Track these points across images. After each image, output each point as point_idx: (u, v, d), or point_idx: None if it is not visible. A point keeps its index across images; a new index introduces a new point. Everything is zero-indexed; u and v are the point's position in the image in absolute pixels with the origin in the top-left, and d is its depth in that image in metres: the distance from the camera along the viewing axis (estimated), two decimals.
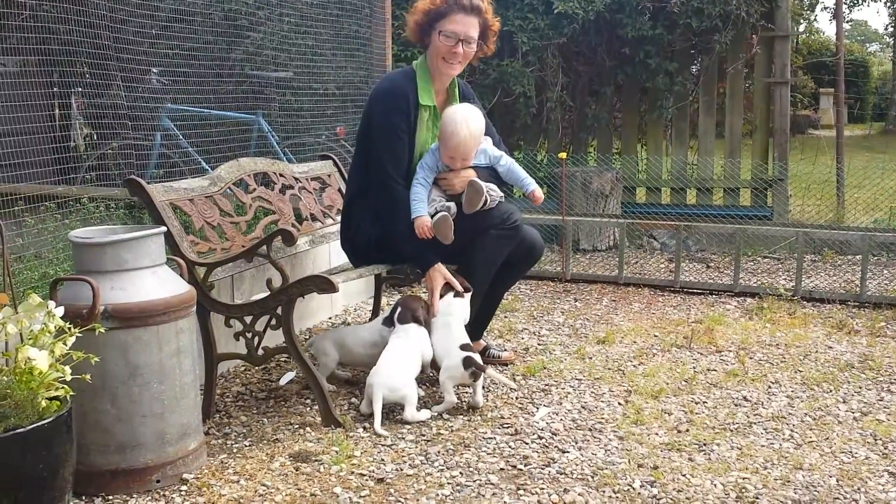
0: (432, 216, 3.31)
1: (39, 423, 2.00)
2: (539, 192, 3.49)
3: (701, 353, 3.87)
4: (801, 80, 8.55)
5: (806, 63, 14.01)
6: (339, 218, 3.87)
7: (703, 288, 5.07)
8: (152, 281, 2.54)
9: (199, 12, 5.31)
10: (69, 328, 2.20)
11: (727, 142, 6.62)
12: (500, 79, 6.29)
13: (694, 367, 3.67)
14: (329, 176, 4.27)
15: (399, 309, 3.28)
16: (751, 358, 3.80)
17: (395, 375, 3.06)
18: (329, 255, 4.40)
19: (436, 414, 3.11)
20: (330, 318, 4.49)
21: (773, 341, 4.05)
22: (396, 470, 2.67)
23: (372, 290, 4.54)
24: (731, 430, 3.00)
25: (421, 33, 3.46)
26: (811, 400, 3.29)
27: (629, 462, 2.72)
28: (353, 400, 3.28)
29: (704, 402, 3.26)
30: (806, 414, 3.15)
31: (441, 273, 3.34)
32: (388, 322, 3.35)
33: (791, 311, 4.55)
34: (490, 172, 3.48)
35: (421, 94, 3.42)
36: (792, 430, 3.01)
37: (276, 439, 2.91)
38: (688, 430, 2.98)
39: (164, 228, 2.70)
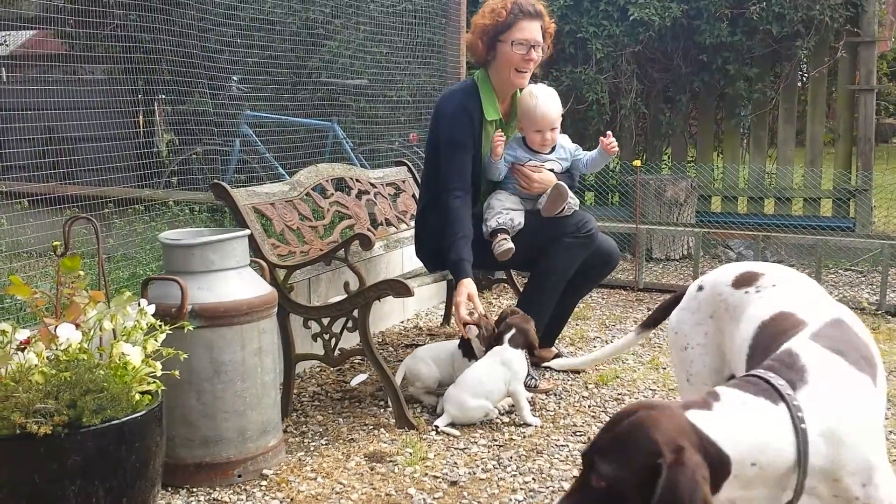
0: (494, 232, 3.31)
1: (133, 416, 2.08)
2: (609, 143, 3.44)
3: None
4: (887, 88, 8.26)
5: (892, 69, 13.51)
6: (412, 223, 3.92)
7: None
8: (237, 282, 2.63)
9: (278, 21, 5.46)
10: (160, 325, 2.29)
11: (808, 150, 6.44)
12: (573, 86, 6.26)
13: None
14: (403, 182, 4.33)
15: (513, 332, 3.11)
16: None
17: (468, 403, 3.04)
18: (402, 259, 4.45)
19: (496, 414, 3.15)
20: (402, 322, 4.55)
21: None
22: (469, 473, 2.69)
23: (443, 296, 4.59)
24: None
25: (486, 50, 3.43)
26: None
27: None
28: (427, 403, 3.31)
29: None
30: (891, 432, 3.05)
31: (467, 289, 3.16)
32: (468, 353, 3.26)
33: (875, 326, 4.40)
34: (566, 179, 3.49)
35: (486, 109, 3.41)
36: None
37: (352, 439, 2.96)
38: None
39: (248, 231, 2.79)
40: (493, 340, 3.14)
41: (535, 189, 3.40)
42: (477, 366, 3.12)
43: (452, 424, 3.05)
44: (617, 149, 3.51)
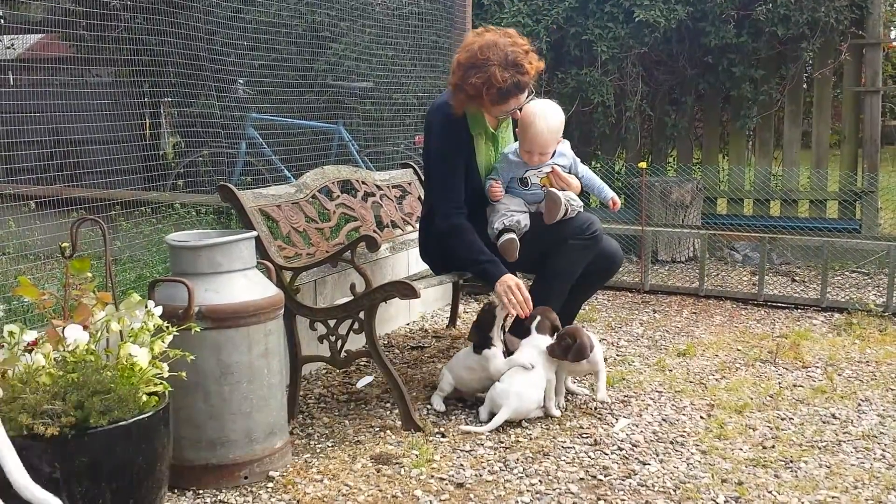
0: (500, 232, 3.32)
1: (140, 417, 2.09)
2: (617, 200, 3.57)
3: (786, 369, 3.77)
4: (892, 90, 8.24)
5: None
6: (418, 225, 3.92)
7: (788, 302, 4.93)
8: (243, 284, 2.63)
9: (284, 24, 5.47)
10: (167, 327, 2.29)
11: (813, 152, 6.43)
12: (579, 88, 6.26)
13: (779, 383, 3.57)
14: (409, 184, 4.33)
15: (539, 318, 3.22)
16: (839, 374, 3.68)
17: (527, 392, 3.06)
18: (408, 261, 4.45)
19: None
20: (408, 324, 4.55)
21: (863, 358, 3.91)
22: (476, 475, 2.68)
23: (449, 298, 4.59)
24: (819, 448, 2.91)
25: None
26: None
27: (713, 477, 2.67)
28: (431, 405, 3.31)
29: (791, 419, 3.18)
30: None
31: (511, 281, 3.19)
32: (478, 349, 3.26)
33: (882, 328, 4.39)
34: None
35: (471, 122, 3.38)
36: (884, 450, 2.90)
37: (358, 441, 2.96)
38: (773, 447, 2.91)
39: (255, 233, 2.79)
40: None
41: (574, 187, 3.43)
42: (521, 357, 3.14)
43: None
44: (619, 207, 3.62)
